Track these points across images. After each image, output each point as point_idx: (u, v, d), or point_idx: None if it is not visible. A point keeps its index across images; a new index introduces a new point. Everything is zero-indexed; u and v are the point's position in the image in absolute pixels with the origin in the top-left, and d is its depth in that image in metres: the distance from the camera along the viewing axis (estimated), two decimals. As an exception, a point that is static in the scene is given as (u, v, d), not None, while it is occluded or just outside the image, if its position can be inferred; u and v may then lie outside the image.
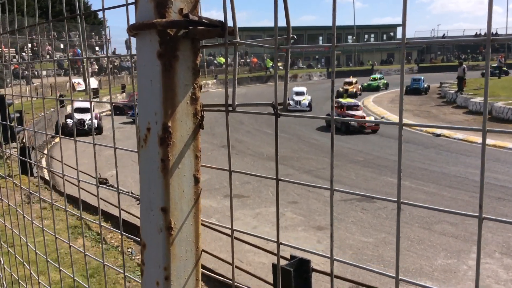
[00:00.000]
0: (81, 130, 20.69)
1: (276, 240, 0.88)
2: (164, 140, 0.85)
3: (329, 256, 0.80)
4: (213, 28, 0.84)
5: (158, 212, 0.87)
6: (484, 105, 0.57)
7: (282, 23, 0.88)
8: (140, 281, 0.95)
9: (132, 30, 0.86)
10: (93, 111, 21.71)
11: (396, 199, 0.70)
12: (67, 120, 21.48)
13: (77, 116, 21.09)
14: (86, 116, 21.54)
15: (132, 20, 0.91)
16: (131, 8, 1.04)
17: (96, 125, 21.03)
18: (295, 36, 0.82)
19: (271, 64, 53.66)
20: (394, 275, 0.72)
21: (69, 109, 24.20)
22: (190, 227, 0.89)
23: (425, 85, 35.83)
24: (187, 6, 0.84)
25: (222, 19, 0.86)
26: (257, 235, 0.94)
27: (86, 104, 22.03)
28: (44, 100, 1.61)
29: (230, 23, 0.85)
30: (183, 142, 0.87)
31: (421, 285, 0.69)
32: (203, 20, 0.84)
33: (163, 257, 0.87)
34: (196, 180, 0.90)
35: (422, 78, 37.11)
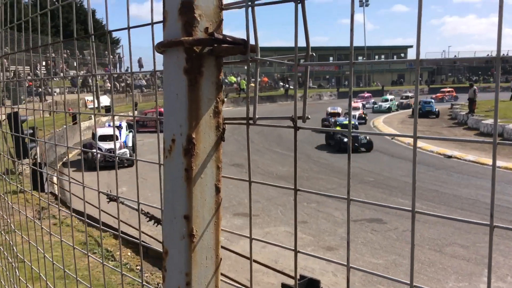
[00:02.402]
0: (112, 162, 17.03)
1: (294, 248, 0.91)
2: (188, 151, 0.89)
3: (345, 264, 0.83)
4: (236, 45, 0.89)
5: (181, 220, 0.91)
6: (495, 118, 0.60)
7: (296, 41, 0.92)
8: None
9: (160, 47, 0.91)
10: (119, 138, 19.55)
11: (410, 209, 0.74)
12: (94, 151, 19.10)
13: (104, 145, 18.60)
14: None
15: (157, 39, 0.97)
16: (156, 27, 1.10)
17: (128, 155, 18.33)
18: (313, 54, 0.87)
19: (245, 85, 52.92)
20: (409, 283, 0.75)
21: (83, 126, 24.10)
22: (211, 235, 0.93)
23: (436, 109, 35.34)
24: (212, 25, 0.90)
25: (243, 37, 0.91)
26: (275, 244, 0.97)
27: (111, 130, 19.30)
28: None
29: (252, 41, 0.90)
30: (206, 153, 0.91)
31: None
32: (227, 38, 0.89)
33: (185, 263, 0.91)
34: (218, 190, 0.94)
35: (433, 101, 36.81)
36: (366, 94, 49.53)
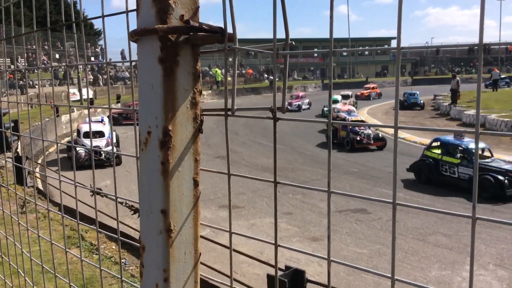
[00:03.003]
0: (97, 160, 15.92)
1: (274, 242, 0.89)
2: (165, 144, 0.86)
3: (326, 257, 0.82)
4: (213, 34, 0.86)
5: (158, 214, 0.88)
6: (477, 107, 0.59)
7: (279, 32, 0.90)
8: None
9: (134, 35, 0.88)
10: (105, 134, 17.71)
11: (391, 201, 0.72)
12: (77, 149, 15.86)
13: (88, 142, 16.19)
14: (101, 142, 17.16)
15: (132, 27, 0.93)
16: (131, 15, 1.06)
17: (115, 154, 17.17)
18: (293, 42, 0.84)
19: (221, 78, 49.03)
20: (390, 276, 0.73)
21: (64, 119, 23.56)
22: (189, 230, 0.91)
23: (421, 101, 33.96)
24: (188, 12, 0.87)
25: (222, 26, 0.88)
26: (255, 238, 0.95)
27: (97, 126, 17.65)
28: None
29: (230, 30, 0.87)
30: (183, 146, 0.88)
31: (416, 285, 0.71)
32: (203, 26, 0.86)
33: (162, 259, 0.88)
34: (196, 183, 0.91)
35: (417, 92, 35.06)
36: (301, 93, 39.39)
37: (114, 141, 18.29)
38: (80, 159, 16.05)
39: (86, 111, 24.69)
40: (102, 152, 16.33)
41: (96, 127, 17.56)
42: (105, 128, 18.29)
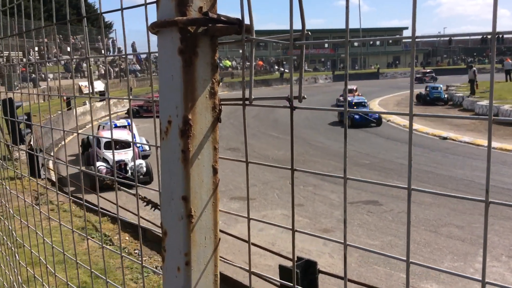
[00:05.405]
0: (121, 179, 12.18)
1: (291, 227, 0.92)
2: (185, 132, 0.89)
3: (342, 242, 0.84)
4: (231, 25, 0.89)
5: (179, 201, 0.91)
6: (490, 94, 0.60)
7: (295, 23, 0.92)
8: (148, 275, 1.00)
9: (154, 28, 0.90)
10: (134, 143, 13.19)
11: (406, 186, 0.74)
12: (97, 165, 12.83)
13: (111, 156, 13.02)
14: (126, 155, 13.53)
15: (151, 20, 0.96)
16: (150, 8, 1.09)
17: (144, 169, 13.22)
18: (309, 33, 0.86)
19: (229, 64, 51.63)
20: (405, 262, 0.76)
21: (78, 111, 23.60)
22: (209, 215, 0.94)
23: (445, 96, 30.34)
24: (206, 4, 0.89)
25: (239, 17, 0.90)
26: (274, 223, 0.98)
27: (122, 134, 14.11)
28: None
29: (247, 21, 0.90)
30: (203, 134, 0.91)
31: (431, 267, 0.73)
32: (222, 18, 0.88)
33: (184, 243, 0.92)
34: (215, 171, 0.94)
35: (441, 86, 31.20)
36: None
37: (147, 148, 15.36)
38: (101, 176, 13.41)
39: (98, 104, 24.80)
40: (128, 169, 13.42)
41: (120, 134, 14.01)
42: (135, 135, 14.88)
